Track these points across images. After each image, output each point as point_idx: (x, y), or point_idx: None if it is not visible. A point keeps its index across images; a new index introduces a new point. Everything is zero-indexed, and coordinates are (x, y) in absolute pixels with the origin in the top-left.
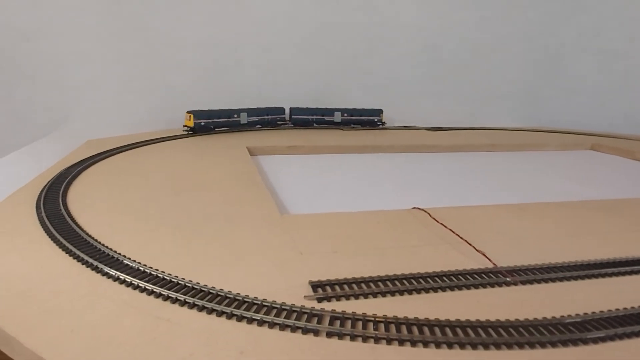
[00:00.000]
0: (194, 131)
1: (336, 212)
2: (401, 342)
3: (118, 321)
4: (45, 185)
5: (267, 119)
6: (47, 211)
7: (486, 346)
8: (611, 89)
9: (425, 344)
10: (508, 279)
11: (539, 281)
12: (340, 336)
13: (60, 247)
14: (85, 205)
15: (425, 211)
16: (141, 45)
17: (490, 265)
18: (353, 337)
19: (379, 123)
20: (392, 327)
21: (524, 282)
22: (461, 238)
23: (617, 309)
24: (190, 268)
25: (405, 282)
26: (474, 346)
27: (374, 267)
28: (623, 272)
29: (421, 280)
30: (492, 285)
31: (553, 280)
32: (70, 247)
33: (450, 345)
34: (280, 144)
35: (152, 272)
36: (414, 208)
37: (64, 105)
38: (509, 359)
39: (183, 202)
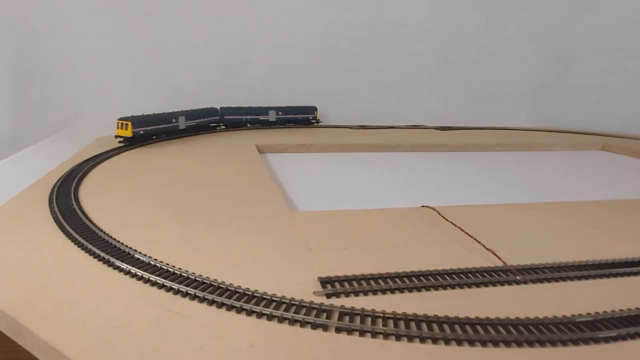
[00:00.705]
0: (131, 142)
1: (345, 210)
2: (410, 339)
3: (129, 314)
4: (58, 180)
5: (205, 122)
6: (60, 206)
7: (496, 344)
8: (622, 89)
9: (435, 341)
10: (518, 277)
11: (549, 280)
12: (349, 332)
13: (72, 241)
14: (97, 200)
15: (434, 209)
16: (151, 45)
17: (500, 264)
18: (362, 333)
19: (313, 121)
20: (401, 324)
21: (534, 281)
22: (470, 236)
23: (629, 309)
24: (201, 263)
25: (414, 279)
26: (484, 344)
27: (383, 263)
28: (635, 272)
29: (430, 277)
30: (501, 283)
31: (563, 279)
32: (83, 241)
33: (459, 343)
34: (289, 142)
35: (163, 267)
36: (423, 206)
37: (76, 103)
38: (518, 357)
39: (193, 199)
